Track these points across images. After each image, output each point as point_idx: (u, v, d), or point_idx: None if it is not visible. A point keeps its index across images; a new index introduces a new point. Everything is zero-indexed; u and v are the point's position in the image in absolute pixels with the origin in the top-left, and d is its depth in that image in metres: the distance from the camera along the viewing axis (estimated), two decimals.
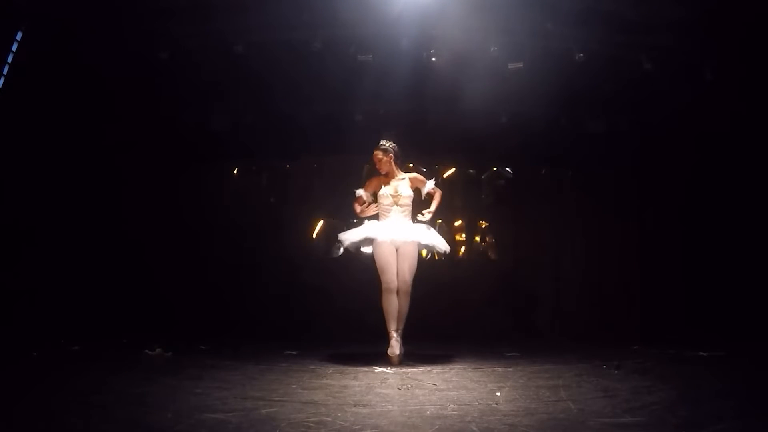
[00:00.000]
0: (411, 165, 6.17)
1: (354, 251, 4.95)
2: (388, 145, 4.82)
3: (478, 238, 7.40)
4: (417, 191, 4.89)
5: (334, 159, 7.12)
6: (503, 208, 7.20)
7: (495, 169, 7.41)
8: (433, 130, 6.81)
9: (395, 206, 4.70)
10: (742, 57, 5.78)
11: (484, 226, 7.41)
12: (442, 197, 4.91)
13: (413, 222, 4.78)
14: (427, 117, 6.89)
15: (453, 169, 7.33)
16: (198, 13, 5.62)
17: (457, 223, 7.35)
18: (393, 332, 4.49)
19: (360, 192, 4.82)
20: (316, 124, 6.78)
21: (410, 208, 4.77)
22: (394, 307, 4.51)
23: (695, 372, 4.07)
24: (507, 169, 7.41)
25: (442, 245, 4.76)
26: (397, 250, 4.60)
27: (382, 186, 4.81)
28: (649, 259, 6.93)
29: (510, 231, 7.30)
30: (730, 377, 3.87)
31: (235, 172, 7.39)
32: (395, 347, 4.43)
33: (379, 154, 4.79)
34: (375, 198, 4.82)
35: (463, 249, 7.31)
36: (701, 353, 4.76)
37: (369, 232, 4.64)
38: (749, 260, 6.27)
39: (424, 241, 4.68)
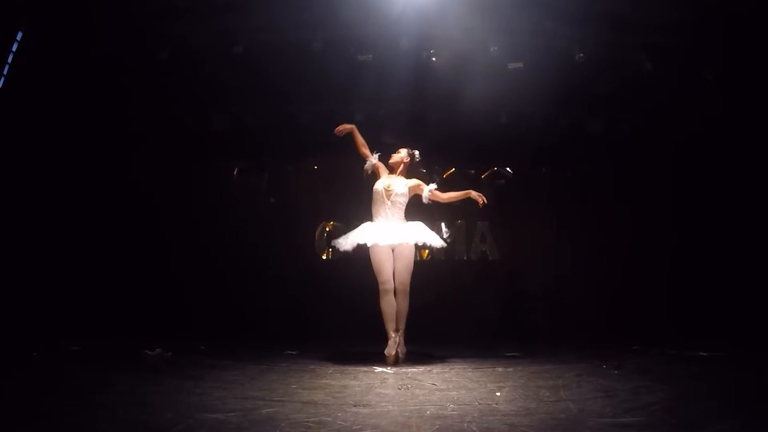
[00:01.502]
0: None
1: (352, 250, 4.95)
2: (414, 151, 4.96)
3: (477, 239, 7.39)
4: (415, 197, 4.89)
5: (334, 159, 7.10)
6: (503, 208, 7.19)
7: (495, 169, 7.40)
8: (433, 130, 6.81)
9: (387, 202, 4.71)
10: (740, 56, 5.78)
11: (483, 226, 7.40)
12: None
13: (407, 221, 4.79)
14: (427, 117, 6.89)
15: (453, 169, 7.33)
16: (200, 13, 5.62)
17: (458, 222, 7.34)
18: (392, 332, 4.51)
19: (376, 156, 4.90)
20: (317, 123, 6.77)
21: (403, 208, 4.79)
22: (391, 307, 4.52)
23: (695, 372, 4.08)
24: (507, 169, 7.41)
25: (436, 241, 4.77)
26: (393, 250, 4.61)
27: (382, 176, 4.84)
28: (650, 259, 6.92)
29: (510, 231, 7.30)
30: (730, 377, 3.88)
31: (235, 172, 7.38)
32: (392, 347, 4.46)
33: (401, 149, 4.94)
34: (374, 176, 4.90)
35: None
36: (701, 353, 4.76)
37: (362, 238, 4.63)
38: (750, 260, 6.27)
39: (418, 240, 4.69)
